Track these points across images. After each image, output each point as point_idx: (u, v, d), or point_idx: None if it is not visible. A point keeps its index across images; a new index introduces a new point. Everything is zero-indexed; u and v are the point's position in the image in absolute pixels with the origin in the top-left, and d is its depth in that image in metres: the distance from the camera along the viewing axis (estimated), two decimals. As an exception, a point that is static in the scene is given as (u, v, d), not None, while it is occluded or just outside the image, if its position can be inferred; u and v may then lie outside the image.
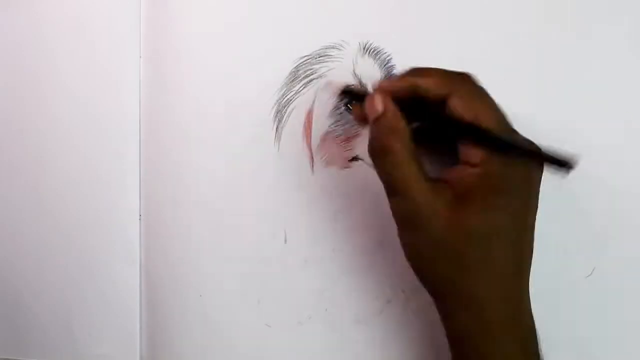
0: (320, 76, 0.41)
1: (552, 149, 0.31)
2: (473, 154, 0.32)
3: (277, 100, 0.41)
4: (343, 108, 0.41)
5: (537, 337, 0.34)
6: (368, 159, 0.40)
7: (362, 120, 0.35)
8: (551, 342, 0.40)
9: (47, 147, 0.45)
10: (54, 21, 0.44)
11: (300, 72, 0.41)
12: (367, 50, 0.40)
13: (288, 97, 0.41)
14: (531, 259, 0.34)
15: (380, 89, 0.34)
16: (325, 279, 0.42)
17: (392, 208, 0.33)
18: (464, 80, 0.33)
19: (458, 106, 0.32)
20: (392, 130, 0.32)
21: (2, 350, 0.47)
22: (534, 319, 0.34)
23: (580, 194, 0.39)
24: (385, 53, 0.40)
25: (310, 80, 0.41)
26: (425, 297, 0.40)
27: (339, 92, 0.37)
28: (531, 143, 0.33)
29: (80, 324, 0.45)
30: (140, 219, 0.44)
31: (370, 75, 0.40)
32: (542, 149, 0.32)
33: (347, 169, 0.41)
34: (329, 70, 0.41)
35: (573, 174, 0.39)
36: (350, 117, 0.41)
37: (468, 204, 0.31)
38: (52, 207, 0.45)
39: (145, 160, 0.44)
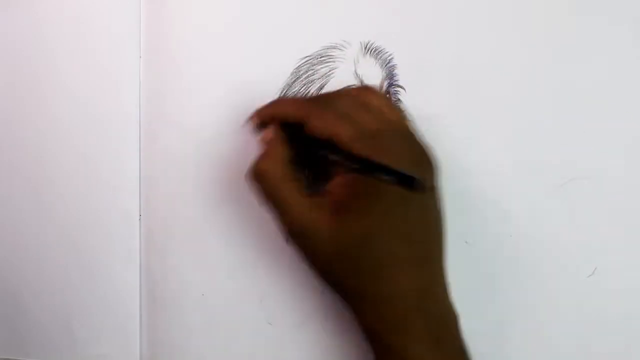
0: (321, 76, 0.41)
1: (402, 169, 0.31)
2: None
3: (278, 101, 0.41)
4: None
5: (455, 325, 0.34)
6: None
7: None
8: (552, 341, 0.40)
9: (47, 147, 0.45)
10: (54, 21, 0.44)
11: (302, 72, 0.41)
12: (368, 50, 0.40)
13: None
14: (439, 249, 0.35)
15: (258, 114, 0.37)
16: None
17: (278, 227, 0.35)
18: (318, 103, 0.35)
19: (313, 128, 0.34)
20: (267, 155, 0.35)
21: (2, 350, 0.47)
22: (456, 307, 0.35)
23: (581, 193, 0.39)
24: (387, 53, 0.40)
25: (312, 81, 0.41)
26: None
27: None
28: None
29: (80, 324, 0.45)
30: (140, 219, 0.44)
31: (372, 75, 0.41)
32: (389, 166, 0.31)
33: (348, 169, 0.41)
34: (330, 70, 0.41)
35: (576, 173, 0.40)
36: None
37: (344, 210, 0.33)
38: (52, 207, 0.45)
39: (145, 160, 0.44)
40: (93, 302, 0.45)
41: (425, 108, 0.36)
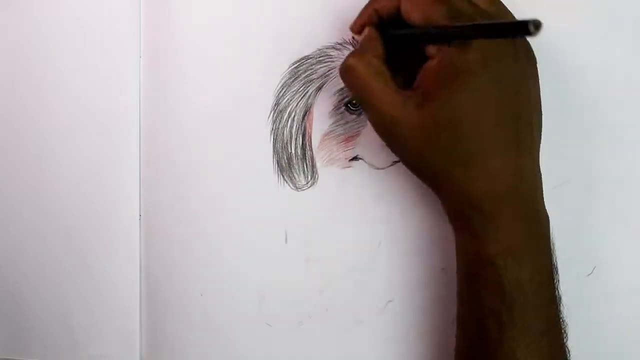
0: (320, 76, 0.41)
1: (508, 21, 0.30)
2: (431, 47, 0.33)
3: (277, 101, 0.41)
4: (343, 108, 0.41)
5: (546, 224, 0.34)
6: (368, 159, 0.41)
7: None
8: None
9: (47, 147, 0.45)
10: (54, 21, 0.44)
11: (301, 72, 0.41)
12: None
13: (288, 97, 0.41)
14: (533, 134, 0.34)
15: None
16: (326, 279, 0.42)
17: (370, 121, 0.35)
18: None
19: (407, 9, 0.34)
20: (360, 50, 0.35)
21: (2, 350, 0.47)
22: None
23: (580, 193, 0.39)
24: (386, 53, 0.40)
25: (311, 81, 0.41)
26: (427, 296, 0.41)
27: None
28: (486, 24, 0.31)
29: (80, 324, 0.45)
30: (140, 219, 0.44)
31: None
32: (494, 22, 0.30)
33: (348, 169, 0.41)
34: (329, 70, 0.41)
35: (574, 174, 0.39)
36: (351, 116, 0.41)
37: (433, 97, 0.32)
38: (52, 207, 0.45)
39: (145, 160, 0.44)
40: (93, 302, 0.45)
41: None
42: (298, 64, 0.41)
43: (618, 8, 0.39)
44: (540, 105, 0.35)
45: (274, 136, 0.42)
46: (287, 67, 0.41)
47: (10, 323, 0.46)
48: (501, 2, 0.35)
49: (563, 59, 0.39)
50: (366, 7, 0.36)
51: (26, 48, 0.45)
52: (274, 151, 0.42)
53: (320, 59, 0.41)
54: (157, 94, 0.43)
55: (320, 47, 0.41)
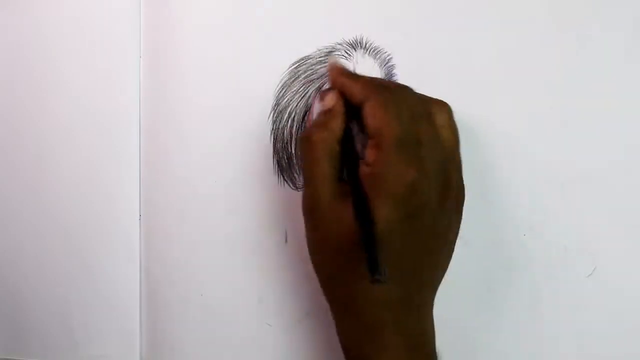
0: (320, 77, 0.41)
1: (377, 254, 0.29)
2: (369, 152, 0.32)
3: (277, 101, 0.41)
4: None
5: (432, 343, 0.34)
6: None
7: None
8: (552, 341, 0.40)
9: (47, 147, 0.45)
10: (54, 21, 0.44)
11: (301, 72, 0.41)
12: (367, 50, 0.40)
13: (288, 97, 0.41)
14: (436, 266, 0.34)
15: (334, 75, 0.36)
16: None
17: (302, 196, 0.34)
18: (385, 90, 0.33)
19: (368, 112, 0.33)
20: (325, 127, 0.34)
21: (2, 350, 0.47)
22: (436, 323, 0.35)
23: (581, 193, 0.39)
24: (386, 53, 0.40)
25: (311, 81, 0.41)
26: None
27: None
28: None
29: (80, 324, 0.45)
30: (140, 219, 0.44)
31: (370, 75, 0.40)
32: (373, 246, 0.29)
33: (347, 169, 0.41)
34: (329, 70, 0.41)
35: (576, 173, 0.39)
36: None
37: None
38: (52, 207, 0.45)
39: (145, 160, 0.44)
40: (93, 302, 0.45)
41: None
42: (298, 64, 0.41)
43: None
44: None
45: (274, 136, 0.42)
46: (287, 67, 0.41)
47: (10, 323, 0.46)
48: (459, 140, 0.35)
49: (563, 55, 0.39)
50: (343, 76, 0.35)
51: (26, 48, 0.45)
52: (274, 151, 0.42)
53: (320, 59, 0.41)
54: (157, 94, 0.43)
55: (320, 47, 0.41)
